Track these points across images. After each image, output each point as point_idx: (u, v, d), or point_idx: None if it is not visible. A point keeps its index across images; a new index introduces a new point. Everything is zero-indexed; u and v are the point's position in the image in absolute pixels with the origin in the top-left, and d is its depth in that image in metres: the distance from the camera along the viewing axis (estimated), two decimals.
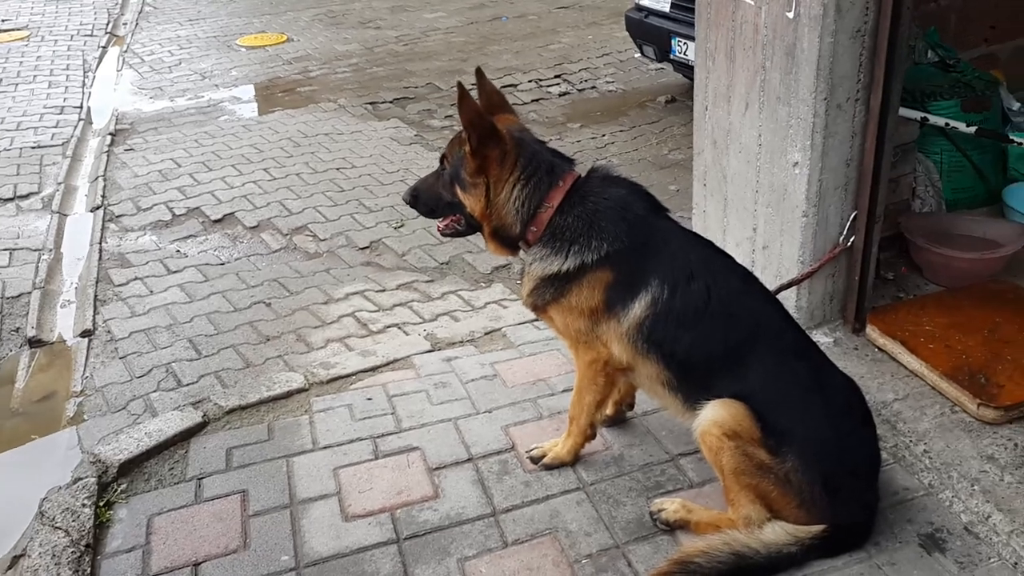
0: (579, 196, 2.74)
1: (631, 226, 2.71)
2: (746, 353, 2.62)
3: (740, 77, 3.56)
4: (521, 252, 2.87)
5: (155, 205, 6.12)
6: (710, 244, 2.89)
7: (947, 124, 3.93)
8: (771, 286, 3.42)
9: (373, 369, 3.76)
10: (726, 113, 3.73)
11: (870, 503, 2.63)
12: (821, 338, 3.47)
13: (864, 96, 3.24)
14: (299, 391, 3.57)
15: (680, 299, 2.63)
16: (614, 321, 2.70)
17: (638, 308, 2.66)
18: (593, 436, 3.03)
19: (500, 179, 2.73)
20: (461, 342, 4.01)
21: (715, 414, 2.56)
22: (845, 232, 3.42)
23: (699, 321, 2.64)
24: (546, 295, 2.79)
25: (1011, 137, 4.09)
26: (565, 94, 8.67)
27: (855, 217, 3.39)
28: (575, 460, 3.03)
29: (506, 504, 2.87)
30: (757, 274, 3.38)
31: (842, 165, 3.33)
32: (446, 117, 8.09)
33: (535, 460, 3.04)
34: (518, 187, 2.73)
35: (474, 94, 2.75)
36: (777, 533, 2.53)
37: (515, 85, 8.78)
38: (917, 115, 3.88)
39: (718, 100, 3.78)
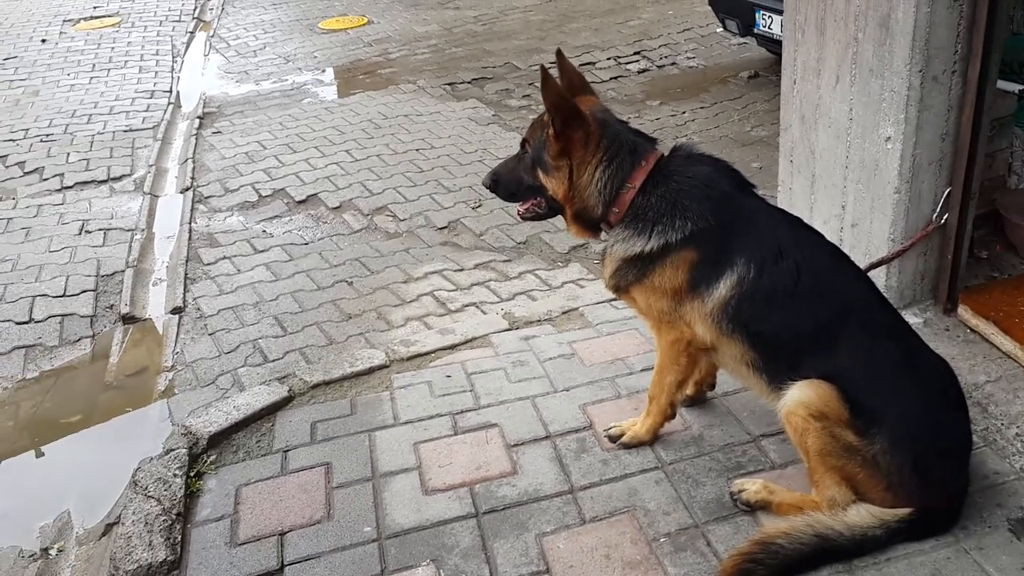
0: (662, 175, 2.71)
1: (716, 204, 2.66)
2: (836, 333, 2.55)
3: (831, 50, 3.45)
4: (603, 234, 2.85)
5: (242, 186, 6.28)
6: (799, 221, 2.82)
7: None
8: (860, 265, 3.33)
9: (452, 347, 3.79)
10: (815, 87, 3.62)
11: (960, 487, 2.55)
12: (911, 318, 3.35)
13: (961, 68, 3.11)
14: (380, 368, 3.63)
15: (767, 278, 2.57)
16: (698, 301, 2.66)
17: (723, 288, 2.61)
18: (673, 416, 3.00)
19: (584, 161, 2.71)
20: (539, 321, 4.01)
21: (802, 395, 2.51)
22: (939, 209, 3.30)
23: (787, 301, 2.58)
24: (629, 276, 2.76)
25: None
26: (644, 71, 8.56)
27: (949, 193, 3.27)
28: (654, 440, 3.01)
29: (584, 481, 2.87)
30: (845, 252, 3.29)
31: (937, 140, 3.21)
32: (524, 97, 8.08)
33: (613, 439, 3.03)
34: (601, 168, 2.71)
35: (554, 74, 2.73)
36: (862, 515, 2.47)
37: (594, 63, 8.72)
38: (1015, 87, 3.72)
39: (807, 74, 3.67)
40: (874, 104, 3.27)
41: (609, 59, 8.82)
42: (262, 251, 5.25)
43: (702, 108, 7.48)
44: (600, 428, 3.11)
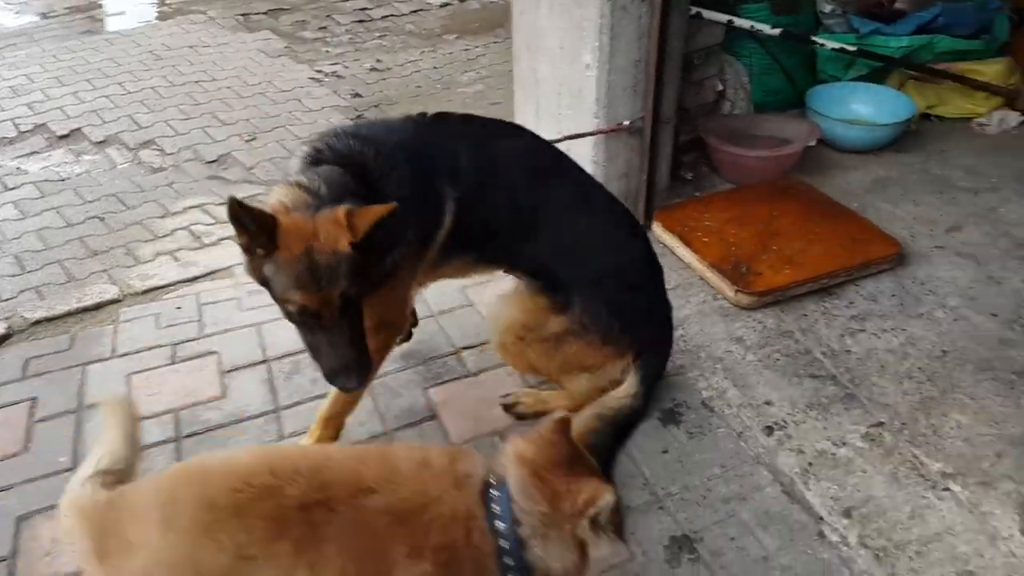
0: None
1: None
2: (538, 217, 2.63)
3: None
4: None
5: (0, 122, 5.94)
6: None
7: (752, 27, 4.03)
8: None
9: (192, 279, 3.79)
10: (536, 17, 3.76)
11: (663, 330, 2.78)
12: None
13: None
14: (111, 302, 3.60)
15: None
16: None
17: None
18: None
19: None
20: None
21: (501, 319, 2.67)
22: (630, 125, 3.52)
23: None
24: None
25: (814, 39, 4.22)
26: (446, 4, 8.54)
27: (644, 118, 3.49)
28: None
29: (290, 401, 2.98)
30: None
31: (630, 66, 3.42)
32: (319, 29, 7.93)
33: None
34: None
35: None
36: (616, 394, 2.65)
37: None
38: (723, 18, 3.97)
39: (529, 3, 3.80)
40: (576, 32, 3.44)
41: None
42: (12, 188, 5.01)
43: (495, 43, 7.55)
44: None
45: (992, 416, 2.74)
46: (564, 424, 1.74)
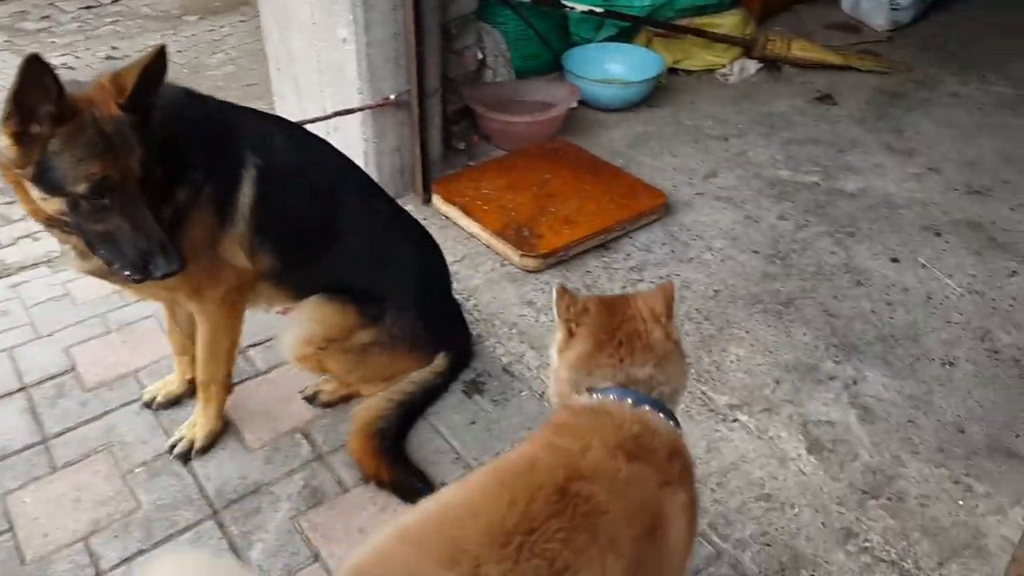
0: None
1: None
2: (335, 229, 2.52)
3: None
4: None
5: None
6: None
7: None
8: None
9: None
10: None
11: (463, 328, 2.85)
12: None
13: None
14: None
15: None
16: None
17: None
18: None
19: None
20: (34, 264, 3.66)
21: (303, 333, 2.51)
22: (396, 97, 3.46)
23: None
24: None
25: (563, 3, 4.33)
26: None
27: (409, 91, 3.44)
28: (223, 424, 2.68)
29: (59, 428, 2.69)
30: None
31: (389, 39, 3.34)
32: (42, 18, 7.23)
33: (177, 451, 2.61)
34: None
35: None
36: (421, 374, 2.66)
37: None
38: None
39: None
40: (327, 5, 3.32)
41: None
42: None
43: (242, 22, 7.19)
44: (83, 369, 2.93)
45: (766, 346, 2.95)
46: (563, 289, 1.77)
